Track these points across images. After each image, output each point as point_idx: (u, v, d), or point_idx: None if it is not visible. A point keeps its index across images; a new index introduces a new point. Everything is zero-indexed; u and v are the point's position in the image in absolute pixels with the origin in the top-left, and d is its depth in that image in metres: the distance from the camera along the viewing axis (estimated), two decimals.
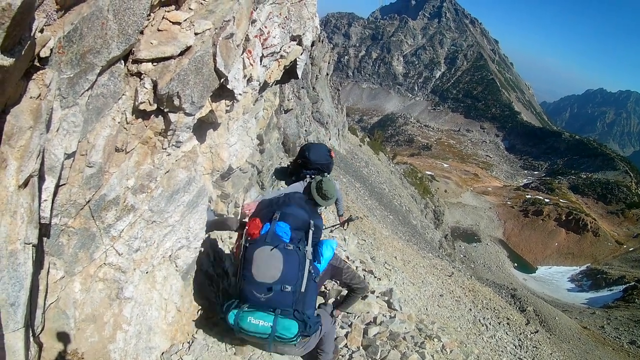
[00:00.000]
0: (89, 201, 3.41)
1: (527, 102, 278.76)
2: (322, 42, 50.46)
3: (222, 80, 4.24)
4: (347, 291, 5.81)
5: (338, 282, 5.62)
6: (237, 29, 4.30)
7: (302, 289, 4.49)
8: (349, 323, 8.64)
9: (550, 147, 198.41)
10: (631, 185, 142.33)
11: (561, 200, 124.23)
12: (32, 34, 2.43)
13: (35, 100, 2.62)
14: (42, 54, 2.69)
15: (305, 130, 34.64)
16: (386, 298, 11.19)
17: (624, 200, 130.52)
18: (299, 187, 5.47)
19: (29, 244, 2.55)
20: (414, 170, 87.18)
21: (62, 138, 2.92)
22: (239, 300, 4.49)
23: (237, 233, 5.50)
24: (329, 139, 48.37)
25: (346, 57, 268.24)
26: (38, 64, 2.69)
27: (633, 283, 75.40)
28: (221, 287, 6.31)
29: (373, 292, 11.11)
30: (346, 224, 6.50)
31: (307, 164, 5.65)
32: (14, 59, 2.24)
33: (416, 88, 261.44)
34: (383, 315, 9.67)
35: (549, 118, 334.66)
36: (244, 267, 4.41)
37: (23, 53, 2.36)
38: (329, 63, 52.46)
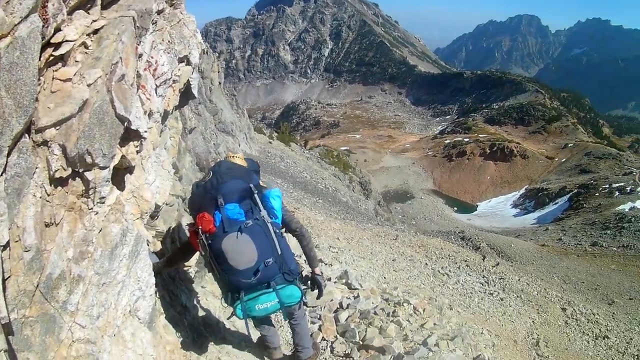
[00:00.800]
0: (37, 285, 3.28)
1: (421, 54, 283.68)
2: (207, 53, 50.16)
3: (125, 123, 4.16)
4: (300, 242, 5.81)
5: (288, 229, 5.59)
6: (127, 68, 4.20)
7: (279, 252, 4.65)
8: (318, 316, 8.82)
9: (455, 89, 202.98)
10: (545, 101, 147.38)
11: (480, 135, 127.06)
12: None
13: None
14: None
15: (214, 144, 34.49)
16: (344, 280, 11.52)
17: (542, 118, 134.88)
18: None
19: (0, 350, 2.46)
20: (328, 151, 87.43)
21: None
22: (231, 291, 4.65)
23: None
24: (239, 145, 48.21)
25: (234, 61, 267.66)
26: None
27: (576, 190, 78.13)
28: (186, 323, 6.26)
29: (329, 279, 11.29)
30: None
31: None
32: None
33: (309, 71, 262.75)
34: (347, 298, 9.91)
35: (447, 62, 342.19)
36: (219, 262, 4.53)
37: None
38: (218, 72, 52.21)
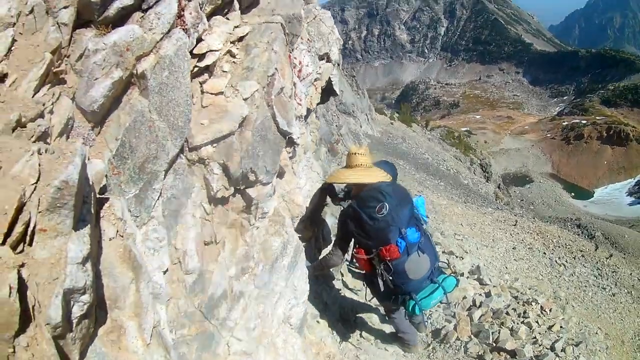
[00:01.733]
0: (198, 306, 3.25)
1: (536, 31, 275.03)
2: None
3: (287, 137, 4.08)
4: None
5: None
6: (284, 80, 4.10)
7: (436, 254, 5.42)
8: (452, 314, 8.69)
9: (571, 68, 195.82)
10: None
11: (597, 118, 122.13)
12: (90, 183, 2.27)
13: (117, 242, 2.45)
14: (98, 186, 2.51)
15: (336, 126, 34.44)
16: (475, 276, 11.29)
17: None
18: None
19: None
20: (450, 131, 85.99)
21: (152, 259, 2.76)
22: (404, 294, 5.11)
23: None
24: (360, 126, 48.13)
25: (350, 42, 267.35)
26: (99, 195, 2.51)
27: None
28: (327, 321, 6.29)
29: (462, 274, 11.14)
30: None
31: None
32: (88, 227, 2.10)
33: (426, 50, 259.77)
34: (479, 295, 9.81)
35: (561, 40, 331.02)
36: (399, 277, 4.90)
37: (92, 211, 2.19)
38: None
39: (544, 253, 25.98)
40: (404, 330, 6.58)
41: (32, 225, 1.84)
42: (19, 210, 1.78)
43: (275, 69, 3.92)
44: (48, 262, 1.89)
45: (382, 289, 4.95)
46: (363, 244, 4.91)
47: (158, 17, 2.93)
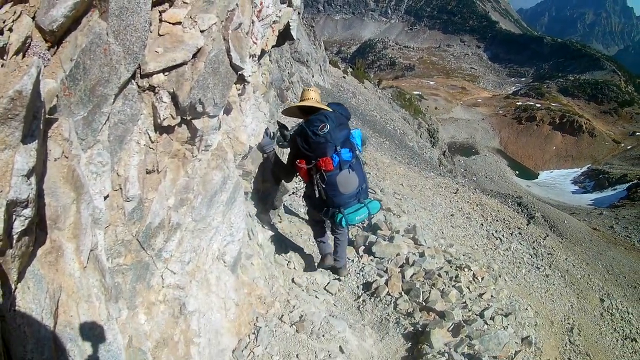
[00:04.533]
0: (136, 235, 3.26)
1: (504, 11, 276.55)
2: None
3: (239, 72, 4.09)
4: None
5: None
6: (243, 16, 4.10)
7: (364, 177, 6.59)
8: (385, 269, 8.88)
9: (534, 53, 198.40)
10: (620, 84, 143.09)
11: (552, 104, 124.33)
12: (42, 99, 2.26)
13: (62, 162, 2.44)
14: (49, 105, 2.49)
15: (288, 73, 34.41)
16: (411, 235, 11.36)
17: (615, 100, 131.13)
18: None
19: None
20: (401, 93, 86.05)
21: (94, 183, 2.75)
22: (332, 207, 6.25)
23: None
24: (312, 76, 47.98)
25: None
26: (49, 116, 2.49)
27: (636, 181, 76.04)
28: (260, 263, 6.39)
29: (398, 232, 11.24)
30: None
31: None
32: (35, 142, 2.09)
33: (389, 11, 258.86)
34: (413, 254, 9.93)
35: (528, 24, 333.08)
36: (331, 189, 6.07)
37: (41, 126, 2.18)
38: (299, 1, 51.97)
39: (482, 224, 26.46)
40: (340, 256, 7.72)
41: None
42: None
43: (236, 4, 3.89)
44: None
45: (317, 196, 6.03)
46: (305, 156, 5.97)
47: None
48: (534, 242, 28.63)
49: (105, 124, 2.87)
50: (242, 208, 4.99)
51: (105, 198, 2.86)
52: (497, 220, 29.42)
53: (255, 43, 5.10)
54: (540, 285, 20.82)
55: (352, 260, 9.22)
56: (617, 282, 30.51)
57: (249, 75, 4.67)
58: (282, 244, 8.04)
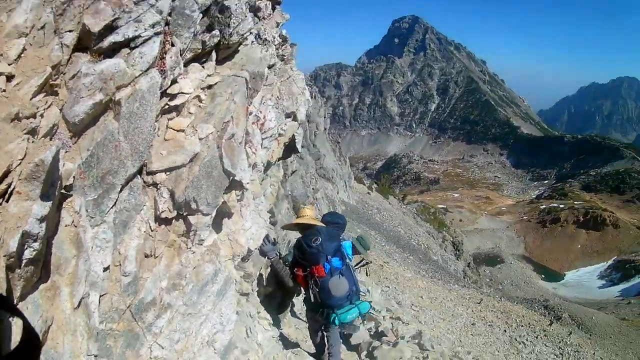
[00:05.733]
0: (129, 306, 3.74)
1: (525, 114, 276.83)
2: (315, 97, 50.77)
3: (231, 177, 4.65)
4: None
5: None
6: (237, 128, 4.68)
7: (355, 281, 7.00)
8: None
9: (555, 153, 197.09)
10: None
11: (575, 203, 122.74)
12: (60, 174, 2.84)
13: (71, 228, 2.99)
14: (66, 182, 3.10)
15: (313, 189, 34.60)
16: (416, 341, 11.40)
17: (637, 186, 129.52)
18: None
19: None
20: (425, 207, 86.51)
21: (97, 255, 3.28)
22: (326, 308, 6.77)
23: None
24: (337, 193, 48.40)
25: (340, 107, 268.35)
26: (64, 191, 3.09)
27: None
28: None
29: (403, 338, 11.30)
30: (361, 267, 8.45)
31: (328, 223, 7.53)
32: (50, 202, 2.67)
33: (414, 125, 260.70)
34: (416, 357, 10.02)
35: (549, 125, 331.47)
36: (324, 292, 6.64)
37: (56, 193, 2.76)
38: (324, 117, 52.88)
39: (505, 331, 26.17)
40: (333, 353, 7.84)
41: (12, 187, 2.53)
42: (5, 175, 2.50)
43: (231, 117, 4.50)
44: (17, 216, 2.54)
45: (312, 300, 6.69)
46: (302, 264, 6.71)
47: (141, 56, 3.52)
48: (560, 342, 28.21)
49: (112, 208, 3.43)
50: (233, 301, 5.42)
51: (105, 270, 3.38)
52: (522, 326, 29.07)
53: (254, 153, 5.68)
54: None
55: None
56: None
57: (248, 183, 5.28)
58: (284, 347, 8.26)
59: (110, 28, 3.37)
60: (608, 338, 36.54)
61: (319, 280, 6.69)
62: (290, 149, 7.51)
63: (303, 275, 6.85)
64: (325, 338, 7.95)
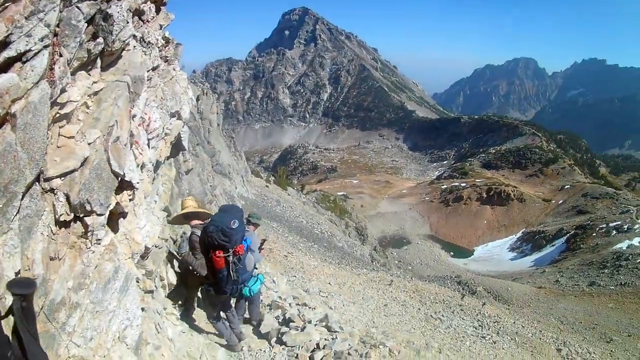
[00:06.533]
0: (42, 307, 3.92)
1: (419, 99, 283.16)
2: (207, 94, 50.48)
3: (119, 178, 4.88)
4: None
5: None
6: (121, 130, 4.93)
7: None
8: (295, 355, 9.22)
9: (453, 134, 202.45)
10: (542, 144, 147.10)
11: (477, 180, 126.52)
12: None
13: None
14: None
15: (210, 186, 34.53)
16: (324, 323, 11.59)
17: (539, 161, 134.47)
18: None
19: None
20: (325, 195, 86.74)
21: (7, 261, 3.45)
22: (240, 284, 7.78)
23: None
24: (235, 188, 48.31)
25: (233, 102, 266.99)
26: None
27: (573, 231, 78.30)
28: (171, 355, 6.95)
29: (310, 322, 11.52)
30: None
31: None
32: None
33: (307, 115, 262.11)
34: (325, 339, 10.17)
35: (444, 107, 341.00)
36: (242, 269, 7.51)
37: None
38: (217, 113, 52.53)
39: (419, 309, 26.56)
40: (235, 324, 9.15)
41: None
42: None
43: (116, 121, 4.74)
44: None
45: (232, 278, 7.33)
46: (223, 247, 7.13)
47: (32, 69, 3.67)
48: (477, 314, 28.96)
49: (16, 215, 3.58)
50: (137, 297, 5.60)
51: (17, 274, 3.54)
52: (437, 302, 29.65)
53: (142, 153, 5.89)
54: (488, 353, 20.87)
55: (264, 351, 9.46)
56: (574, 329, 30.95)
57: (137, 182, 5.48)
58: (195, 340, 8.53)
59: (4, 44, 3.51)
60: (527, 307, 37.85)
61: (240, 257, 7.38)
62: (177, 147, 7.85)
63: (225, 257, 7.26)
64: (235, 311, 9.40)
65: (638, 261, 50.88)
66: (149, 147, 6.28)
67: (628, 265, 50.09)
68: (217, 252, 7.15)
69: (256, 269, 9.06)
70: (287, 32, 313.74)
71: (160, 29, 7.02)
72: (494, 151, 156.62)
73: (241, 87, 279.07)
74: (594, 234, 72.08)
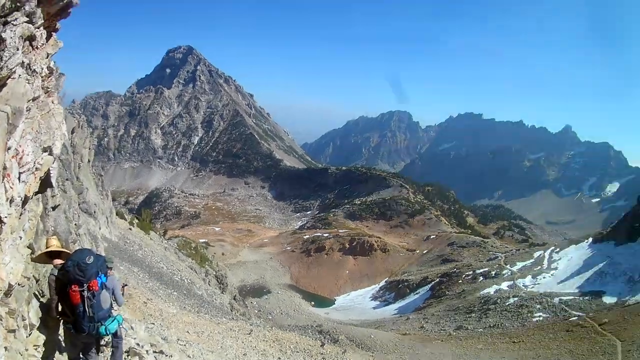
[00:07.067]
0: None
1: (288, 148, 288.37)
2: (82, 127, 49.12)
3: None
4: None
5: None
6: None
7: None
8: None
9: (319, 185, 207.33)
10: (409, 195, 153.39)
11: (340, 231, 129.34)
12: None
13: None
14: None
15: (75, 224, 33.22)
16: None
17: (405, 212, 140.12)
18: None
19: None
20: (187, 242, 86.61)
21: None
22: (97, 322, 7.77)
23: None
24: (99, 229, 46.88)
25: (106, 138, 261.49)
26: None
27: (437, 279, 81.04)
28: None
29: None
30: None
31: None
32: None
33: (176, 158, 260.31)
34: None
35: (313, 157, 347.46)
36: (96, 306, 7.66)
37: None
38: (89, 149, 51.20)
39: (279, 358, 26.53)
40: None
41: None
42: None
43: None
44: None
45: (88, 314, 7.52)
46: (78, 281, 7.38)
47: None
48: None
49: None
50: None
51: None
52: (297, 352, 29.62)
53: (12, 187, 5.49)
54: None
55: None
56: None
57: (5, 217, 5.09)
58: None
59: None
60: (391, 353, 38.42)
61: (94, 292, 7.60)
62: (46, 183, 7.56)
63: (80, 292, 7.48)
64: (96, 354, 8.97)
65: (507, 304, 52.89)
66: (19, 181, 5.89)
67: (497, 308, 52.11)
68: (73, 286, 7.42)
69: (114, 309, 8.81)
70: (168, 70, 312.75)
71: (47, 57, 6.68)
72: (359, 202, 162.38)
73: (116, 123, 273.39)
74: (460, 281, 74.77)
